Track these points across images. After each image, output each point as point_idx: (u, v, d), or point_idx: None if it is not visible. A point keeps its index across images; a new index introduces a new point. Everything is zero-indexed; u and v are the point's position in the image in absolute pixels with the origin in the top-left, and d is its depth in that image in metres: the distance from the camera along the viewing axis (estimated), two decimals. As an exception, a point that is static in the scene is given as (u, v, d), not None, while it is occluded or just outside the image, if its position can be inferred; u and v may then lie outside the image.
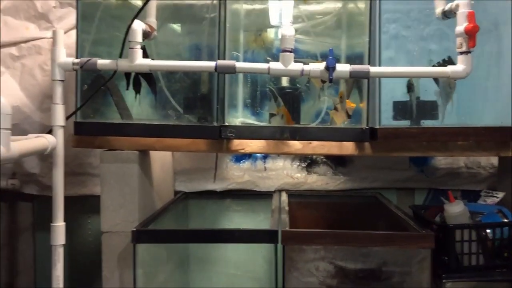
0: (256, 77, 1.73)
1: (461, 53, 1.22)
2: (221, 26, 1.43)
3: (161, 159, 1.86)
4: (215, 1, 1.44)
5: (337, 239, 1.33)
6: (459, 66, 1.23)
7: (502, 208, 1.48)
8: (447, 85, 1.48)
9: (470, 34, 1.18)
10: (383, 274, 1.35)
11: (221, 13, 1.42)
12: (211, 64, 1.26)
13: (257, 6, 1.80)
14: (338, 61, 1.33)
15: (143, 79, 1.43)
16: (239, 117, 1.74)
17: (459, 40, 1.23)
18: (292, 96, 1.62)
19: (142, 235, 1.40)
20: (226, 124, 1.43)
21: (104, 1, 1.54)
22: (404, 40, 1.49)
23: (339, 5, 1.77)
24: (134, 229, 1.38)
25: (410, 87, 1.46)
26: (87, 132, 1.43)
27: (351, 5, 1.78)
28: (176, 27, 1.77)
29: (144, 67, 1.27)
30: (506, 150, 1.43)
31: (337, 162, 2.10)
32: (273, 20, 1.64)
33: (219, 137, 1.42)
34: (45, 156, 1.78)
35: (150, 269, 1.50)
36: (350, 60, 1.58)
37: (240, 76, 1.75)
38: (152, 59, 1.29)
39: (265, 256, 1.61)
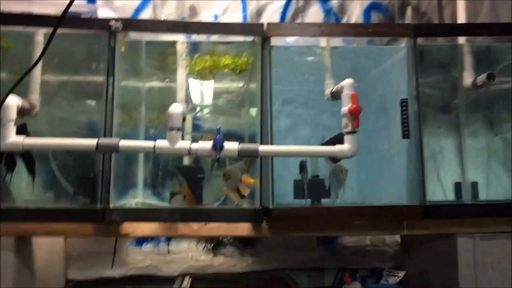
0: (158, 156, 1.67)
1: (348, 133, 1.24)
2: (108, 103, 1.37)
3: (49, 245, 1.69)
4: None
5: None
6: (346, 146, 1.24)
7: (400, 289, 1.46)
8: (339, 171, 1.48)
9: (354, 115, 1.20)
10: None
11: (108, 90, 1.36)
12: (92, 142, 1.19)
13: (160, 83, 1.78)
14: (242, 139, 1.31)
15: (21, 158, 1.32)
16: (138, 197, 1.65)
17: (344, 120, 1.24)
18: (194, 175, 1.56)
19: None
20: (111, 207, 1.33)
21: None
22: (300, 118, 1.51)
23: (240, 84, 1.79)
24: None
25: (302, 167, 1.45)
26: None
27: (252, 85, 1.80)
28: (71, 104, 1.70)
29: (17, 146, 1.17)
30: (401, 230, 1.43)
31: (244, 242, 2.03)
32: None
33: (103, 220, 1.31)
34: None
35: None
36: (252, 139, 1.57)
37: (141, 155, 1.68)
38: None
39: None
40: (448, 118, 1.75)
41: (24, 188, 1.45)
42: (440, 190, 1.67)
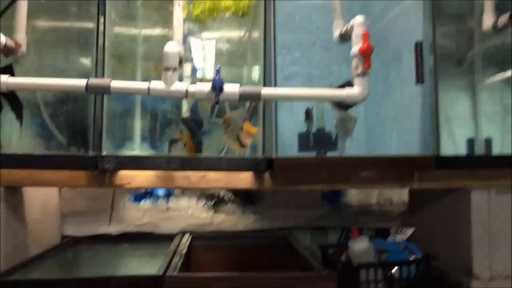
0: (156, 108, 1.58)
1: (357, 75, 1.14)
2: (99, 52, 1.28)
3: (43, 198, 1.63)
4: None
5: (231, 283, 1.17)
6: (355, 89, 1.14)
7: (409, 245, 1.39)
8: (347, 119, 1.39)
9: (365, 55, 1.11)
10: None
11: (99, 37, 1.27)
12: (82, 82, 1.10)
13: (158, 32, 1.67)
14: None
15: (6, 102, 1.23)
16: (135, 151, 1.57)
17: (354, 62, 1.15)
18: (194, 125, 1.48)
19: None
20: (104, 154, 1.25)
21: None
22: (305, 65, 1.42)
23: (241, 33, 1.69)
24: (-14, 280, 1.14)
25: (308, 115, 1.36)
26: None
27: (255, 33, 1.70)
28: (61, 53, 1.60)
29: (0, 85, 1.08)
30: (411, 182, 1.35)
31: (246, 200, 1.96)
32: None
33: (95, 168, 1.23)
34: None
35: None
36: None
37: (138, 106, 1.59)
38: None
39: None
40: (463, 71, 1.65)
41: (13, 136, 1.37)
42: (452, 146, 1.58)
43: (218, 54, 1.68)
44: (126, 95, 1.53)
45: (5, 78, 1.09)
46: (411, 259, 1.33)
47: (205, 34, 1.64)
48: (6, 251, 1.32)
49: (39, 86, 1.11)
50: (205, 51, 1.62)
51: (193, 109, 1.55)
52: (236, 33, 1.68)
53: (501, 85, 1.70)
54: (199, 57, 1.61)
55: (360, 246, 1.32)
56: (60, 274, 1.53)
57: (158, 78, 1.38)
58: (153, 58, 1.68)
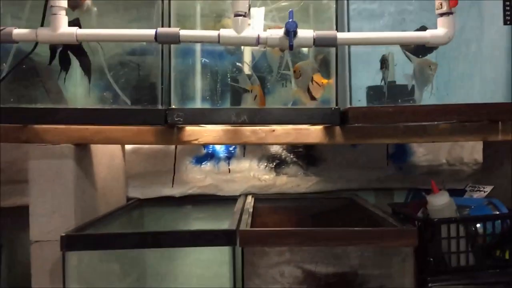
0: (216, 68, 1.54)
1: (442, 14, 1.05)
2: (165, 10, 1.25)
3: (109, 160, 1.64)
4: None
5: (303, 238, 1.13)
6: (440, 30, 1.05)
7: (493, 200, 1.30)
8: (426, 66, 1.30)
9: (451, -9, 1.02)
10: (359, 278, 1.14)
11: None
12: (151, 32, 1.07)
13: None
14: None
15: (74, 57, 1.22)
16: (196, 108, 1.54)
17: (438, 0, 1.06)
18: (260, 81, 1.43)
19: (74, 241, 1.17)
20: (173, 107, 1.23)
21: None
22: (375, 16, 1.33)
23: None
24: (63, 234, 1.15)
25: (383, 63, 1.28)
26: (7, 119, 1.21)
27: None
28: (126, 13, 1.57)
29: (70, 37, 1.06)
30: (494, 134, 1.26)
31: (308, 161, 1.91)
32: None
33: (165, 122, 1.21)
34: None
35: (87, 284, 1.26)
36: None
37: (198, 65, 1.56)
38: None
39: (225, 262, 1.39)
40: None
41: (79, 93, 1.37)
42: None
43: (279, 9, 1.62)
44: (186, 54, 1.50)
45: (74, 30, 1.07)
46: (496, 214, 1.24)
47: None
48: (77, 208, 1.33)
49: (109, 37, 1.09)
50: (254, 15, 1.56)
51: (254, 66, 1.50)
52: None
53: None
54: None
55: (441, 200, 1.25)
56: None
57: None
58: (211, 16, 1.64)
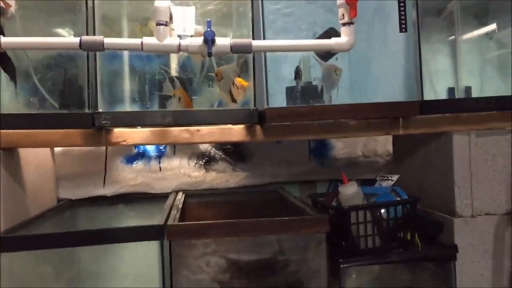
0: (145, 69, 1.60)
1: (344, 24, 1.18)
2: (89, 14, 1.29)
3: (38, 162, 1.65)
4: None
5: (226, 229, 1.23)
6: (343, 38, 1.18)
7: (396, 188, 1.46)
8: (332, 71, 1.43)
9: (351, 3, 1.14)
10: (279, 263, 1.26)
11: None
12: (75, 40, 1.12)
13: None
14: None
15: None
16: (127, 111, 1.59)
17: (340, 11, 1.18)
18: (185, 83, 1.51)
19: (8, 242, 1.20)
20: (100, 110, 1.28)
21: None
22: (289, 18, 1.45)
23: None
24: (-4, 236, 1.18)
25: (297, 74, 1.40)
26: None
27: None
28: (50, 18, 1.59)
29: (-7, 45, 1.09)
30: (396, 128, 1.41)
31: (236, 157, 2.01)
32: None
33: (93, 125, 1.26)
34: None
35: (21, 284, 1.29)
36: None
37: (126, 68, 1.61)
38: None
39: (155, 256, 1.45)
40: (442, 23, 1.70)
41: (8, 100, 1.39)
42: (433, 96, 1.65)
43: (204, 14, 1.69)
44: (114, 57, 1.55)
45: (-1, 38, 1.10)
46: (397, 200, 1.40)
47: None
48: (6, 212, 1.35)
49: (34, 45, 1.13)
50: (185, 15, 1.63)
51: (181, 67, 1.57)
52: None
53: (480, 38, 1.76)
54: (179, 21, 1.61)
55: (350, 190, 1.39)
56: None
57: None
58: (138, 20, 1.69)
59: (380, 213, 1.36)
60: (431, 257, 1.38)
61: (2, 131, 1.28)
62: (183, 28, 1.53)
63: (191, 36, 1.23)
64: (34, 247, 1.26)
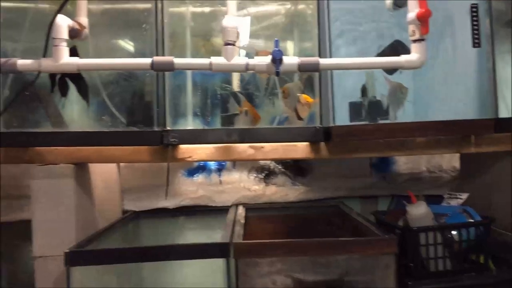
0: (206, 84, 1.63)
1: (414, 41, 1.15)
2: (159, 30, 1.33)
3: (104, 176, 1.71)
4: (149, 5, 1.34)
5: (292, 249, 1.22)
6: (413, 55, 1.15)
7: (467, 208, 1.40)
8: (399, 90, 1.40)
9: (423, 20, 1.11)
10: (345, 284, 1.23)
11: (157, 17, 1.31)
12: (147, 61, 1.14)
13: (206, 9, 1.71)
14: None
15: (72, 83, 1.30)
16: (189, 127, 1.62)
17: (411, 27, 1.15)
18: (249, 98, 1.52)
19: (77, 256, 1.24)
20: (168, 128, 1.31)
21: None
22: (355, 36, 1.42)
23: (288, 5, 1.70)
24: (68, 250, 1.22)
25: (364, 91, 1.38)
26: (11, 143, 1.28)
27: (301, 6, 1.70)
28: (117, 34, 1.65)
29: (72, 66, 1.14)
30: (467, 146, 1.36)
31: (296, 172, 2.00)
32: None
33: (161, 143, 1.29)
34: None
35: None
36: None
37: (189, 84, 1.64)
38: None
39: (219, 273, 1.46)
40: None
41: (78, 115, 1.44)
42: (505, 111, 1.57)
43: (264, 28, 1.70)
44: (178, 73, 1.58)
45: (76, 60, 1.14)
46: (470, 222, 1.34)
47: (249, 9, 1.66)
48: (77, 223, 1.40)
49: (107, 66, 1.17)
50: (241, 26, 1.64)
51: (244, 83, 1.58)
52: (279, 7, 1.69)
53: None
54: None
55: (419, 210, 1.34)
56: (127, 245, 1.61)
57: (207, 54, 1.42)
58: (200, 35, 1.72)
59: (451, 234, 1.31)
60: (506, 281, 1.31)
61: (74, 147, 1.34)
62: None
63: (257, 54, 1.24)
64: (102, 262, 1.29)
